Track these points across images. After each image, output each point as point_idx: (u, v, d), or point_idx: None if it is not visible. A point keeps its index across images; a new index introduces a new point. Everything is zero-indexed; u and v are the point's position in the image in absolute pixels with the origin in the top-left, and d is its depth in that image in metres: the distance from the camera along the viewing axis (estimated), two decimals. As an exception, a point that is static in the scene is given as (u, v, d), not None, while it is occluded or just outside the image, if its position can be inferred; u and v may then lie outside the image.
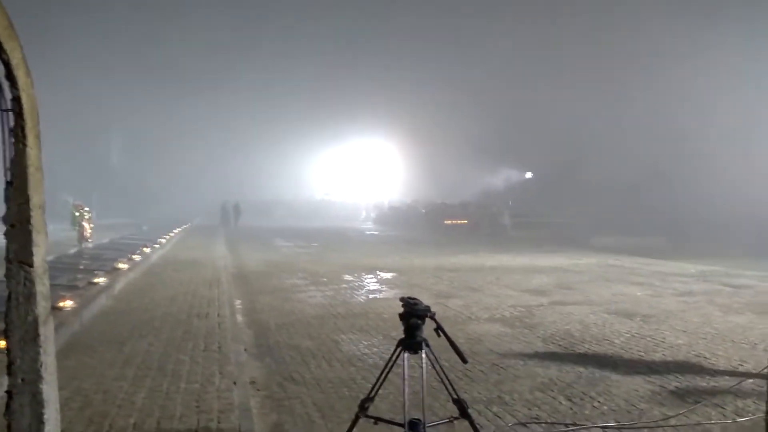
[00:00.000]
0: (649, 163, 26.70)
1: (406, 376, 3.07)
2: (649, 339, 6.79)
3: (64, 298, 7.36)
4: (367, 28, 55.54)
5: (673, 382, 5.17)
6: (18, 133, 2.19)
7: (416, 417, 3.15)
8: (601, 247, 19.80)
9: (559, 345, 6.51)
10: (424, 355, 3.07)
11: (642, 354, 6.13)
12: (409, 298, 3.16)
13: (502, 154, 38.68)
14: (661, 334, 7.06)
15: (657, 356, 6.04)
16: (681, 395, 4.80)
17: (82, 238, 16.49)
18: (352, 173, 56.39)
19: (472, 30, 44.14)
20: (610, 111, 29.83)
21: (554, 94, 33.36)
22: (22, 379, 2.23)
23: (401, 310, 3.19)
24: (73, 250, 14.93)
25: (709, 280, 11.76)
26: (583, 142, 30.30)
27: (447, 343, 3.13)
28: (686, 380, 5.22)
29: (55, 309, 6.89)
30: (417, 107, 45.61)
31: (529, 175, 39.13)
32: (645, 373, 5.44)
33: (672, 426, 4.16)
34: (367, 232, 32.16)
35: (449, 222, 31.11)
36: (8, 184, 2.21)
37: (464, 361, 3.14)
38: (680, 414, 4.35)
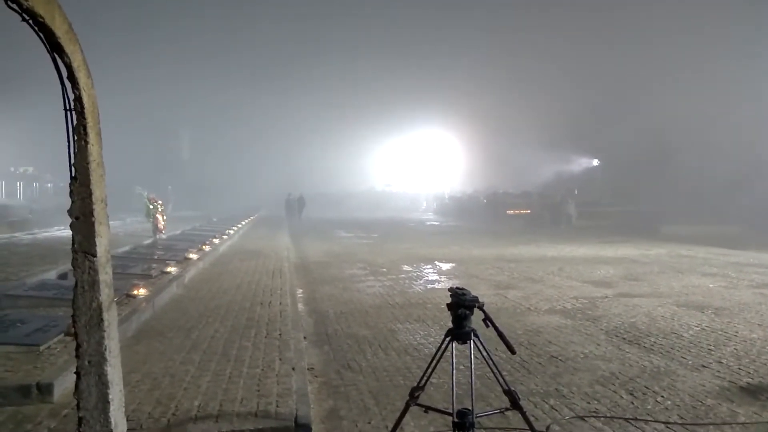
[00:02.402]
0: (742, 154, 25.15)
1: (454, 366, 3.07)
2: (720, 332, 6.46)
3: (137, 287, 7.71)
4: (430, 19, 55.13)
5: (745, 377, 4.91)
6: (80, 131, 2.33)
7: (467, 407, 3.14)
8: (673, 236, 18.94)
9: (623, 338, 6.30)
10: (472, 345, 3.06)
11: (712, 348, 5.84)
12: (458, 288, 3.15)
13: (568, 143, 37.59)
14: (734, 327, 6.70)
15: (728, 351, 5.74)
16: (752, 392, 4.55)
17: (156, 229, 17.28)
18: (413, 164, 56.34)
19: (538, 19, 42.95)
20: (703, 98, 28.15)
21: (636, 82, 31.91)
22: (89, 362, 2.39)
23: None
24: (147, 241, 15.69)
25: (792, 272, 11.04)
26: (671, 130, 28.81)
27: (497, 334, 3.12)
28: (759, 376, 4.94)
29: (129, 296, 7.31)
30: (479, 97, 45.00)
31: (595, 162, 37.82)
32: (714, 368, 5.19)
33: (741, 424, 3.96)
34: (427, 223, 32.10)
35: (511, 212, 30.57)
36: (72, 179, 2.37)
37: (512, 351, 3.10)
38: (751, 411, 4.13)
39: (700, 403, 4.34)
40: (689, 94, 28.73)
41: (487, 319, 3.03)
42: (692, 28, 29.22)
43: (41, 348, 4.93)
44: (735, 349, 5.81)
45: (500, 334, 3.06)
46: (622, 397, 4.51)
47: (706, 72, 28.53)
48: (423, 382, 3.25)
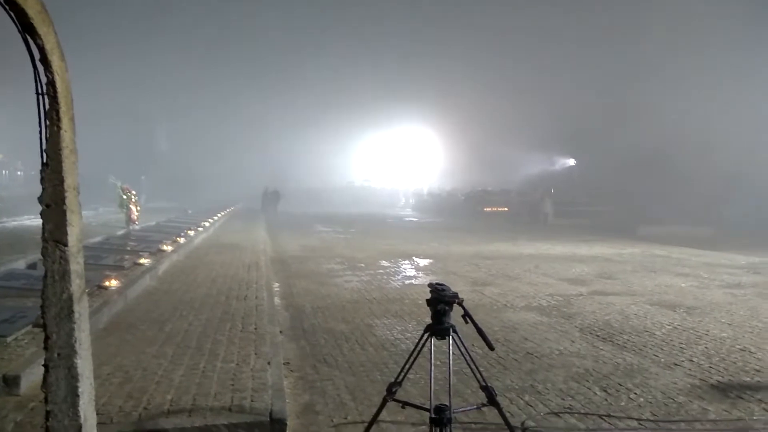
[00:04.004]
0: (719, 158, 25.55)
1: (432, 362, 3.06)
2: (691, 331, 6.58)
3: (110, 278, 7.57)
4: (412, 16, 55.11)
5: (715, 375, 5.00)
6: (53, 116, 2.25)
7: (444, 402, 3.13)
8: (648, 236, 19.25)
9: (597, 335, 6.38)
10: (451, 341, 3.05)
11: (683, 346, 5.94)
12: (437, 283, 3.14)
13: (547, 142, 37.96)
14: (705, 326, 6.83)
15: (699, 349, 5.84)
16: (722, 389, 4.64)
17: (129, 220, 16.99)
18: (392, 160, 56.34)
19: (521, 18, 43.10)
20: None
21: (619, 84, 32.20)
22: (58, 354, 2.32)
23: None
24: (120, 232, 15.41)
25: (761, 272, 11.29)
26: (652, 133, 29.08)
27: (477, 330, 3.12)
28: (729, 374, 5.04)
29: (100, 288, 7.16)
30: (459, 94, 45.15)
31: (572, 162, 38.29)
32: (686, 366, 5.28)
33: (711, 420, 4.03)
34: (406, 219, 32.14)
35: (489, 209, 30.81)
36: (44, 165, 2.29)
37: (491, 348, 3.11)
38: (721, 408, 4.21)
39: (671, 401, 4.41)
40: (672, 98, 29.16)
41: (467, 316, 3.02)
42: (681, 29, 29.56)
43: (8, 339, 4.80)
44: (706, 347, 5.92)
45: (479, 331, 3.05)
46: (596, 393, 4.56)
47: (691, 75, 28.96)
48: (400, 377, 3.24)
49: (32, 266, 9.06)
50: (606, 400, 4.42)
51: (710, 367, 5.25)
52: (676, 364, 5.32)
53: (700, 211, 23.13)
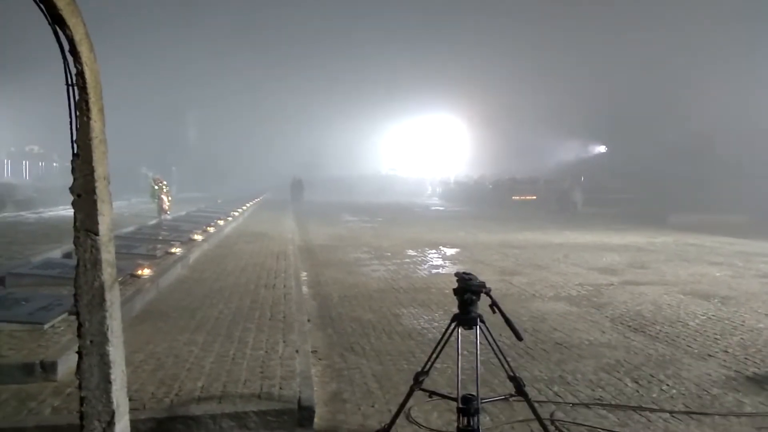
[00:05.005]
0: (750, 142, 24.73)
1: (459, 352, 3.04)
2: (726, 321, 6.41)
3: (142, 267, 7.71)
4: (442, 3, 54.54)
5: (751, 367, 4.87)
6: (82, 106, 2.28)
7: (471, 392, 3.11)
8: (680, 224, 18.82)
9: (629, 326, 6.26)
10: (478, 331, 3.03)
11: (718, 337, 5.80)
12: (464, 273, 3.11)
13: (576, 129, 37.29)
14: (741, 316, 6.65)
15: (734, 340, 5.69)
16: (759, 382, 4.52)
17: (161, 210, 17.31)
18: (419, 148, 56.12)
19: (552, 5, 42.21)
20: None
21: (650, 69, 31.38)
22: (91, 341, 2.37)
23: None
24: (152, 222, 15.71)
25: (800, 262, 10.94)
26: (684, 119, 28.26)
27: (504, 320, 3.08)
28: (766, 366, 4.90)
29: (133, 277, 7.31)
30: (487, 82, 44.62)
31: (603, 149, 37.55)
32: (720, 357, 5.15)
33: (747, 414, 3.92)
34: (433, 208, 32.04)
35: (517, 198, 30.49)
36: (74, 156, 2.33)
37: (519, 338, 3.07)
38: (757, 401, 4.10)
39: (705, 393, 4.31)
40: (711, 84, 28.25)
41: (494, 305, 2.99)
42: (724, 15, 28.57)
43: (45, 326, 4.93)
44: (741, 338, 5.76)
45: (507, 321, 3.02)
46: (627, 384, 4.48)
47: (731, 62, 28.03)
48: (428, 366, 3.22)
49: (68, 255, 9.29)
50: (637, 391, 4.34)
51: (746, 358, 5.12)
52: (710, 355, 5.20)
53: (736, 198, 22.47)
